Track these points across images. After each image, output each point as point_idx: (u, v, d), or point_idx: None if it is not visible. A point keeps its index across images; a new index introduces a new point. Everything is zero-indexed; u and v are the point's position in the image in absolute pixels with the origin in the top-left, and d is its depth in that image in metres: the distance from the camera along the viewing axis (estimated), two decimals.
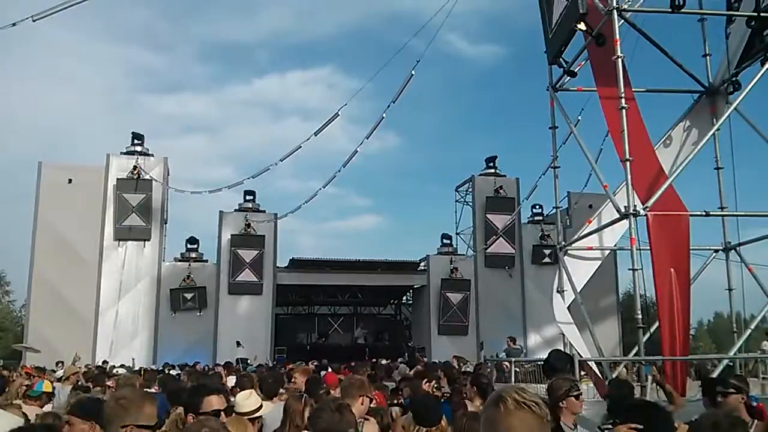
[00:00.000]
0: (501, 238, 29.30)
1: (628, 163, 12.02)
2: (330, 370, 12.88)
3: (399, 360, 22.74)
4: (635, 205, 11.96)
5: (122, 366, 19.67)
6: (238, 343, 24.69)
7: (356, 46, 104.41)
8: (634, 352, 13.60)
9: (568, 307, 14.55)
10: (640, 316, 12.05)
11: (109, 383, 10.27)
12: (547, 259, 28.68)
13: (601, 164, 14.83)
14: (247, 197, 28.69)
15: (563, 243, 15.60)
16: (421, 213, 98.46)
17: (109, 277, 26.40)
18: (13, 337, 41.25)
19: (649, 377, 9.78)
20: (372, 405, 5.46)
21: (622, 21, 13.00)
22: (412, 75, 19.14)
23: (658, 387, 9.54)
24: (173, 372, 16.84)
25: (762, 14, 13.27)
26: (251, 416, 4.93)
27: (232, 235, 27.78)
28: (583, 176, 20.10)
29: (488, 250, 29.03)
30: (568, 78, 15.22)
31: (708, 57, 15.94)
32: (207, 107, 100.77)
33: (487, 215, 29.50)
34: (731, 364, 13.62)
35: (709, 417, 3.07)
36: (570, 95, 15.96)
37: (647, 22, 14.18)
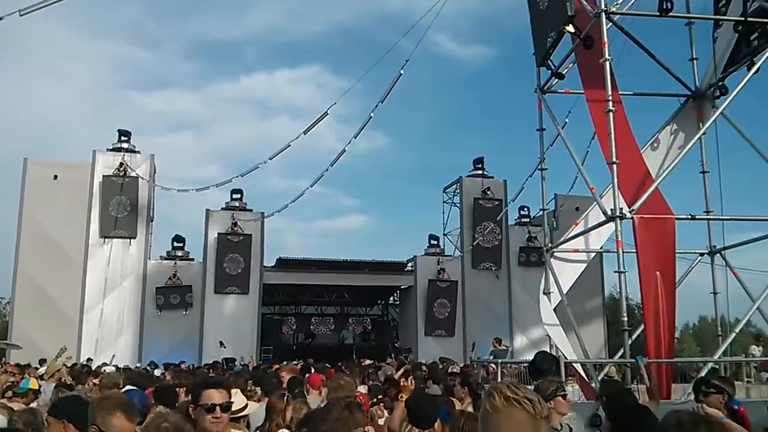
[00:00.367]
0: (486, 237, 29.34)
1: (614, 166, 12.04)
2: (314, 370, 12.82)
3: (387, 361, 22.72)
4: (621, 208, 11.98)
5: (105, 364, 19.59)
6: (221, 344, 24.62)
7: (345, 45, 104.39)
8: (619, 354, 13.62)
9: (555, 309, 14.57)
10: (625, 319, 12.08)
11: (95, 381, 10.23)
12: (533, 261, 28.73)
13: (588, 166, 14.89)
14: (234, 196, 28.61)
15: (550, 245, 15.62)
16: (408, 213, 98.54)
17: (94, 274, 26.25)
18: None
19: (642, 364, 9.83)
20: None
21: (610, 24, 13.04)
22: (401, 74, 19.11)
23: (638, 384, 9.61)
24: (157, 371, 16.78)
25: (749, 19, 13.33)
26: (236, 415, 4.92)
27: (218, 233, 27.68)
28: (569, 178, 20.18)
29: (476, 247, 29.04)
30: (556, 80, 15.24)
31: (695, 61, 16.01)
32: (194, 105, 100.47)
33: (475, 220, 29.55)
34: (716, 367, 13.68)
35: (673, 416, 3.08)
36: (558, 97, 15.99)
37: (635, 25, 14.22)
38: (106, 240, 26.65)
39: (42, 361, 18.28)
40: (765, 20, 13.36)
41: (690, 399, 9.82)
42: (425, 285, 29.42)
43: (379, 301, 35.93)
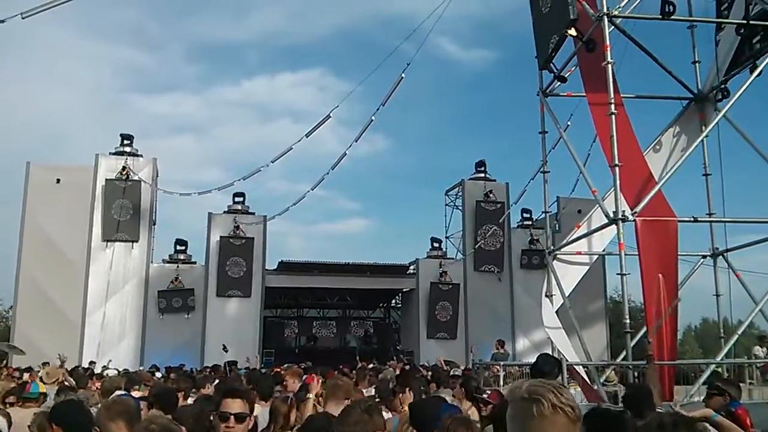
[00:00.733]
0: (488, 240, 29.32)
1: (616, 169, 12.06)
2: (311, 373, 12.83)
3: (389, 363, 22.69)
4: (624, 211, 11.99)
5: (105, 367, 19.62)
6: (225, 348, 24.60)
7: (347, 48, 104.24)
8: (621, 356, 13.63)
9: (557, 312, 14.58)
10: (628, 321, 12.09)
11: (97, 384, 10.23)
12: (536, 264, 28.71)
13: (590, 169, 14.91)
14: (236, 199, 28.59)
15: (552, 248, 15.64)
16: (410, 216, 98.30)
17: (96, 278, 26.25)
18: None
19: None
20: None
21: (613, 27, 13.06)
22: (402, 78, 19.18)
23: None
24: (158, 374, 16.78)
25: (751, 22, 13.37)
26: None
27: (220, 236, 27.69)
28: (572, 181, 20.20)
29: (478, 249, 29.03)
30: (559, 83, 15.27)
31: (697, 64, 16.03)
32: (196, 108, 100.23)
33: (477, 223, 29.56)
34: (718, 370, 13.67)
35: (655, 418, 3.09)
36: (560, 100, 16.01)
37: (637, 28, 14.25)
38: (109, 243, 26.65)
39: (44, 365, 18.29)
40: (767, 23, 13.38)
41: (692, 401, 9.85)
42: (427, 288, 29.41)
43: (381, 304, 35.91)
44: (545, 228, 17.45)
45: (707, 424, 4.37)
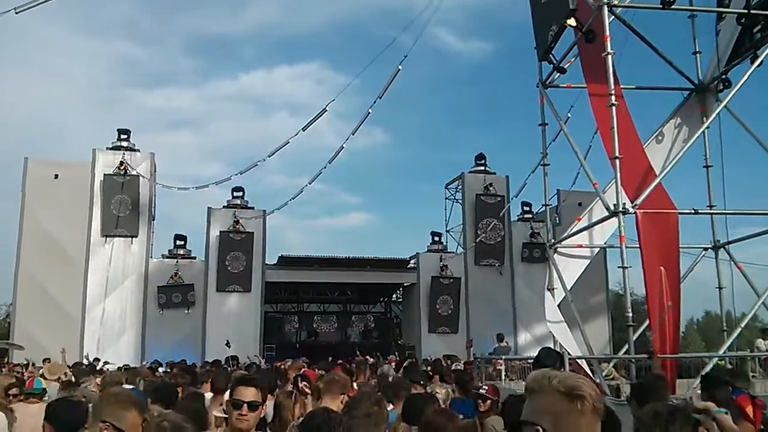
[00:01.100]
0: (488, 233, 29.26)
1: (617, 161, 11.96)
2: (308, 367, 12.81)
3: (389, 357, 22.67)
4: (624, 203, 11.91)
5: (106, 363, 19.60)
6: (228, 343, 24.54)
7: (345, 41, 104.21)
8: (624, 350, 13.56)
9: (558, 305, 14.51)
10: (630, 314, 12.01)
11: (97, 380, 10.16)
12: (537, 257, 28.63)
13: (590, 162, 14.80)
14: (236, 194, 28.53)
15: (553, 241, 15.56)
16: (410, 210, 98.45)
17: (95, 274, 26.20)
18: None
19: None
20: None
21: (612, 17, 12.95)
22: (399, 70, 19.07)
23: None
24: (160, 369, 16.74)
25: (752, 11, 13.26)
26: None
27: (220, 231, 27.62)
28: (572, 173, 20.10)
29: (478, 243, 28.98)
30: (558, 75, 15.16)
31: (698, 54, 15.92)
32: (193, 102, 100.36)
33: (477, 216, 29.49)
34: (721, 362, 13.61)
35: (651, 407, 3.02)
36: (560, 92, 15.91)
37: (637, 18, 14.14)
38: (108, 239, 26.60)
39: (46, 361, 18.25)
40: None
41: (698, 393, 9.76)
42: (428, 282, 29.36)
43: (381, 299, 35.88)
44: (546, 221, 17.38)
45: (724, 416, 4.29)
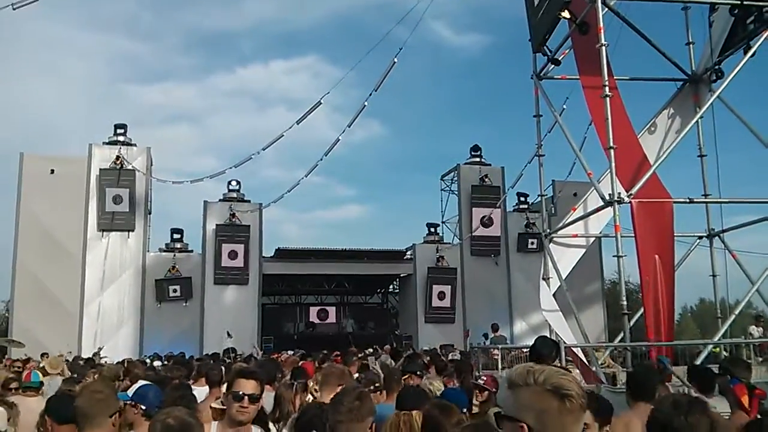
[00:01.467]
0: (485, 224, 29.35)
1: (612, 151, 12.04)
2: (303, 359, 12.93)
3: (384, 347, 22.79)
4: (619, 193, 11.99)
5: (96, 354, 19.66)
6: (228, 334, 24.67)
7: (342, 34, 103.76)
8: (619, 338, 13.69)
9: (554, 295, 14.61)
10: (625, 303, 12.13)
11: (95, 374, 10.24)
12: (532, 247, 28.78)
13: (585, 152, 14.86)
14: (231, 187, 28.59)
15: (548, 231, 15.64)
16: (406, 202, 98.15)
17: (93, 268, 26.29)
18: None
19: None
20: None
21: (606, 9, 13.00)
22: (395, 62, 19.09)
23: None
24: (157, 363, 16.82)
25: (745, 2, 13.31)
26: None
27: (217, 224, 27.69)
28: (567, 164, 20.17)
29: (475, 234, 29.09)
30: (553, 66, 15.22)
31: (691, 45, 15.98)
32: (190, 97, 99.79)
33: (473, 207, 29.58)
34: (716, 349, 13.74)
35: (669, 397, 3.11)
36: (555, 83, 15.95)
37: (631, 10, 14.20)
38: (105, 233, 26.66)
39: (44, 356, 18.32)
40: (761, 3, 13.34)
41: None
42: (424, 273, 29.51)
43: (378, 290, 36.02)
44: (541, 211, 17.45)
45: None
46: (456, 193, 30.87)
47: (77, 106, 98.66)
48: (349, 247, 30.70)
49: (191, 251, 28.20)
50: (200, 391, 6.60)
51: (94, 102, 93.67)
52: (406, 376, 7.23)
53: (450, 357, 14.98)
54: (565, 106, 16.69)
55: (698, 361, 11.83)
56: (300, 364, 9.47)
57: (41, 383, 7.24)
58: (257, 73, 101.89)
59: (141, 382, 4.54)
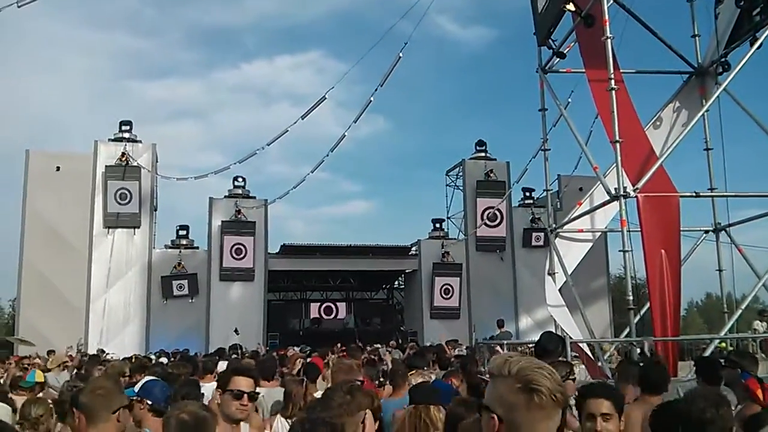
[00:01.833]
0: (490, 221, 29.27)
1: (617, 145, 11.99)
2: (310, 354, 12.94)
3: (390, 343, 22.79)
4: (625, 187, 11.94)
5: (102, 351, 19.69)
6: (236, 331, 24.66)
7: (345, 29, 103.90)
8: (625, 333, 13.65)
9: (559, 290, 14.58)
10: (630, 298, 12.08)
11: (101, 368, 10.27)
12: (538, 242, 28.72)
13: (591, 146, 14.83)
14: (237, 183, 28.59)
15: (554, 226, 15.60)
16: (411, 197, 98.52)
17: (99, 265, 26.32)
18: (4, 326, 41.16)
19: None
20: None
21: (612, 1, 12.94)
22: (400, 57, 19.04)
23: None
24: (163, 359, 16.83)
25: None
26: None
27: (222, 221, 27.69)
28: (573, 159, 20.12)
29: (479, 233, 29.04)
30: (558, 60, 15.15)
31: (697, 38, 15.91)
32: (195, 93, 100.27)
33: (478, 200, 29.52)
34: (722, 344, 13.69)
35: (698, 389, 3.10)
36: (560, 77, 15.91)
37: (636, 2, 14.14)
38: (110, 230, 26.68)
39: (50, 353, 18.37)
40: None
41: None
42: (430, 268, 29.47)
43: (384, 286, 36.00)
44: (547, 206, 17.42)
45: None
46: (461, 188, 30.81)
47: (82, 103, 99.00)
48: (355, 243, 30.65)
49: (197, 248, 28.22)
50: (208, 387, 6.61)
51: (98, 99, 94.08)
52: (412, 372, 7.22)
53: (456, 352, 14.93)
54: (570, 100, 16.67)
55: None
56: (309, 359, 9.48)
57: (36, 384, 7.23)
58: (261, 68, 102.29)
59: (147, 377, 4.54)
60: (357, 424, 3.29)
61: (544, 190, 17.10)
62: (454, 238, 30.54)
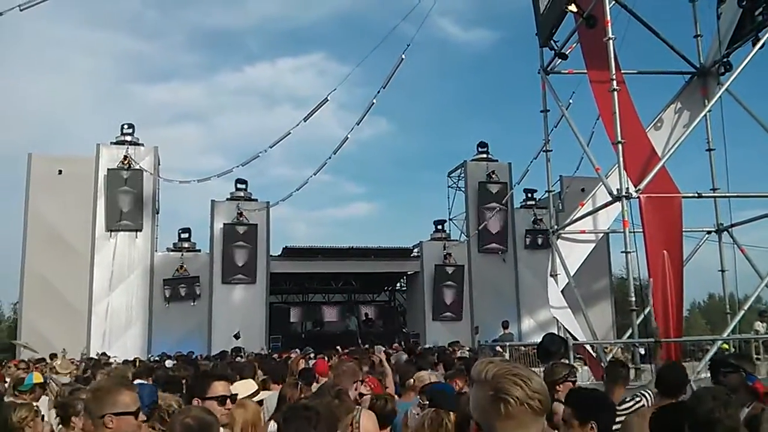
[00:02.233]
0: (491, 221, 29.27)
1: (620, 146, 11.97)
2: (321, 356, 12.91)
3: (393, 346, 22.77)
4: (627, 188, 11.92)
5: (104, 354, 19.67)
6: (237, 336, 24.66)
7: (347, 31, 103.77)
8: (627, 334, 13.61)
9: (562, 291, 14.55)
10: (633, 299, 12.05)
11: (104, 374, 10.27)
12: (540, 244, 28.70)
13: (593, 147, 14.76)
14: (239, 186, 28.60)
15: (556, 227, 15.57)
16: (413, 199, 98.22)
17: (101, 268, 26.35)
18: (7, 328, 41.14)
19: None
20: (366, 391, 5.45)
21: (613, 2, 12.92)
22: (402, 59, 19.06)
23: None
24: (168, 362, 16.83)
25: None
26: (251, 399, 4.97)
27: (224, 224, 27.70)
28: (575, 160, 20.11)
29: (481, 230, 29.02)
30: (560, 61, 15.13)
31: (699, 38, 15.86)
32: (197, 96, 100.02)
33: (480, 207, 29.52)
34: (725, 345, 13.65)
35: (708, 389, 3.08)
36: (562, 78, 15.88)
37: (638, 2, 14.12)
38: (112, 233, 26.72)
39: (53, 356, 18.38)
40: None
41: (699, 377, 9.84)
42: (432, 270, 29.45)
43: (386, 288, 35.98)
44: (549, 207, 17.40)
45: None
46: (463, 189, 30.80)
47: (84, 106, 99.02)
48: (357, 245, 30.65)
49: (199, 251, 28.23)
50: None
51: (101, 102, 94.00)
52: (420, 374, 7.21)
53: (459, 354, 14.91)
54: (571, 101, 16.63)
55: (707, 358, 11.78)
56: (313, 363, 9.47)
57: (35, 385, 7.21)
58: (264, 71, 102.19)
59: (137, 381, 4.53)
60: (345, 428, 3.30)
61: (546, 192, 17.09)
62: (456, 240, 30.52)
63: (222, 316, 26.82)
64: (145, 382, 4.57)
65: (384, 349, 19.12)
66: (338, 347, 17.23)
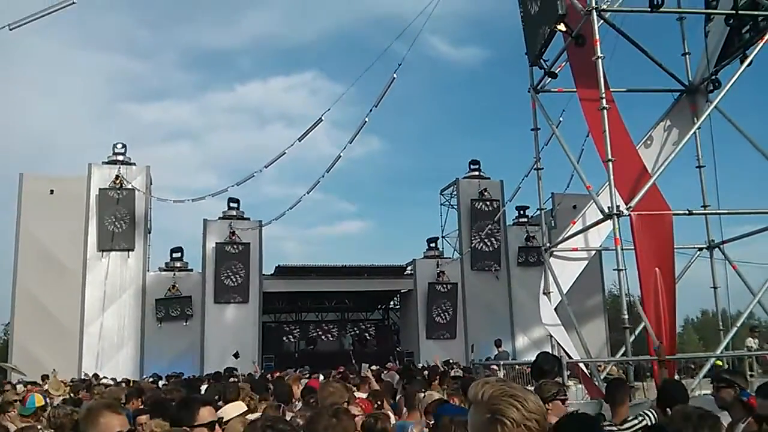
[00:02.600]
0: (484, 239, 29.29)
1: (610, 164, 12.03)
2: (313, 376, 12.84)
3: (387, 365, 22.65)
4: (618, 206, 11.97)
5: (96, 376, 19.53)
6: (236, 355, 24.44)
7: (339, 50, 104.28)
8: (621, 352, 13.61)
9: (555, 309, 14.55)
10: (626, 316, 12.06)
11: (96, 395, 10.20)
12: (533, 261, 28.69)
13: (584, 164, 14.87)
14: (231, 205, 28.54)
15: (548, 244, 15.61)
16: (406, 217, 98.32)
17: (93, 288, 26.18)
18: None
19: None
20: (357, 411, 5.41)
21: (602, 21, 13.03)
22: (394, 78, 19.16)
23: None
24: (160, 383, 16.72)
25: (740, 12, 13.36)
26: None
27: (216, 243, 27.62)
28: (566, 176, 20.19)
29: (474, 245, 29.02)
30: (550, 79, 15.24)
31: (687, 56, 16.02)
32: (190, 115, 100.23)
33: (473, 221, 29.54)
34: (719, 362, 13.65)
35: (680, 410, 3.07)
36: (552, 96, 16.00)
37: (626, 22, 14.24)
38: (104, 253, 26.58)
39: (45, 378, 18.23)
40: (756, 13, 13.40)
41: (694, 395, 9.82)
42: (425, 288, 29.39)
43: (379, 306, 35.84)
44: (541, 225, 17.42)
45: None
46: (455, 207, 30.82)
47: (76, 126, 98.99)
48: (349, 264, 30.57)
49: (191, 270, 28.10)
50: None
51: (93, 121, 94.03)
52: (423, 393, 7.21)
53: (453, 374, 14.84)
54: (562, 119, 16.73)
55: (701, 375, 11.78)
56: (307, 383, 9.41)
57: (36, 409, 7.14)
58: (256, 90, 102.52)
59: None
60: None
61: (538, 209, 17.14)
62: (449, 258, 30.49)
63: (215, 335, 26.67)
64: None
65: (377, 368, 19.12)
66: (331, 368, 17.11)
